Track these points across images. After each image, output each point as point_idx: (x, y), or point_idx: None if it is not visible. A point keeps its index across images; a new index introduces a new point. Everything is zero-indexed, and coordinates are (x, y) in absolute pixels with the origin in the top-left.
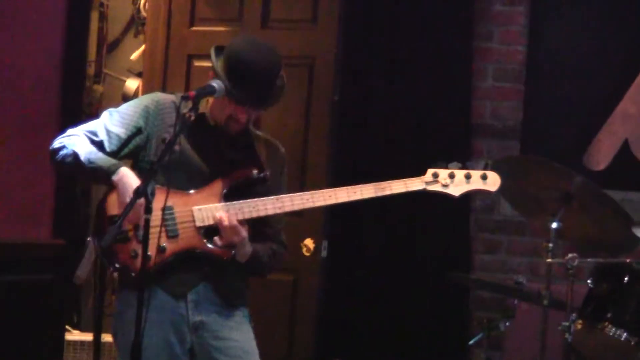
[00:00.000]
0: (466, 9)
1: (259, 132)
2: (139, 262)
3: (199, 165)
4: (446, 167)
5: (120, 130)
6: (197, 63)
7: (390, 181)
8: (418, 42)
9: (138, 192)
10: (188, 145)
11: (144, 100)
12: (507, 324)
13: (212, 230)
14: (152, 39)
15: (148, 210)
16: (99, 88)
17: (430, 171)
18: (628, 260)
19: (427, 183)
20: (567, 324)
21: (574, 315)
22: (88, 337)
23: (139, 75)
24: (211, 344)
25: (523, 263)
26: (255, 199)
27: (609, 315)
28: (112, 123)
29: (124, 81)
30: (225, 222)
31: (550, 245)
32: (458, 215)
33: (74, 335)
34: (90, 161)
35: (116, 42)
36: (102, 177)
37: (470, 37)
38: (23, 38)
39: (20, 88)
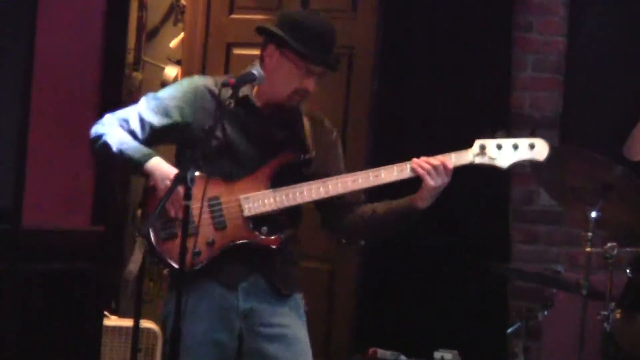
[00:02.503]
0: None
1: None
2: (188, 258)
3: (245, 149)
4: (492, 137)
5: (154, 119)
6: (236, 51)
7: (437, 156)
8: (457, 32)
9: (178, 179)
10: (233, 130)
11: (182, 87)
12: (546, 313)
13: (259, 220)
14: (191, 26)
15: (187, 196)
16: (138, 75)
17: (477, 143)
18: None
19: (475, 155)
20: (605, 313)
21: (612, 304)
22: (126, 323)
23: (178, 62)
24: (259, 331)
25: (562, 253)
26: (302, 184)
27: None
28: (147, 110)
29: (163, 69)
30: (441, 166)
31: (590, 234)
32: (497, 206)
33: (112, 321)
34: (121, 152)
35: (155, 30)
36: (134, 167)
37: (510, 28)
38: (63, 27)
39: (61, 76)
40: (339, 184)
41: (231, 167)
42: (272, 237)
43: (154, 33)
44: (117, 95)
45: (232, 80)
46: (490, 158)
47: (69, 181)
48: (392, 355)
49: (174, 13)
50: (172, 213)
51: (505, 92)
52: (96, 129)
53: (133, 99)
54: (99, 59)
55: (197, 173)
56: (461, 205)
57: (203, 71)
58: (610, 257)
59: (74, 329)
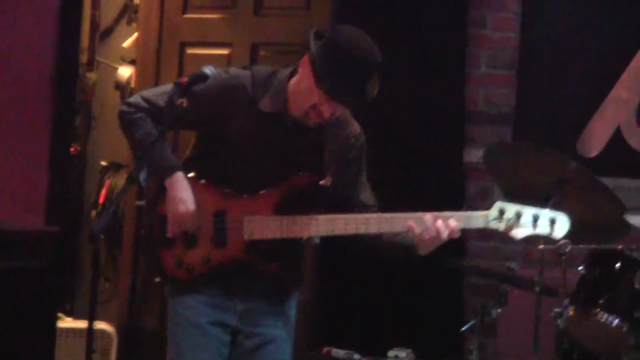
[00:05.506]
0: None
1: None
2: (181, 272)
3: (262, 163)
4: (510, 201)
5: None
6: (190, 50)
7: (452, 212)
8: (412, 28)
9: (131, 179)
10: (254, 141)
11: (216, 89)
12: (500, 310)
13: (258, 242)
14: (145, 26)
15: (140, 196)
16: (91, 75)
17: (497, 205)
18: (620, 247)
19: (492, 220)
20: (559, 310)
21: (566, 301)
22: (81, 324)
23: (132, 62)
24: (251, 332)
25: (516, 250)
26: (309, 217)
27: (601, 301)
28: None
29: (117, 69)
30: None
31: None
32: (451, 203)
33: (66, 322)
34: (148, 152)
35: (109, 29)
36: (154, 172)
37: (464, 24)
38: (16, 26)
39: (14, 76)
40: (348, 226)
41: (246, 179)
42: (270, 265)
43: (107, 33)
44: (71, 95)
45: (185, 80)
46: (507, 225)
47: (23, 181)
48: (346, 354)
49: (128, 12)
50: (170, 232)
51: (460, 88)
52: (129, 111)
53: (86, 100)
54: (52, 59)
55: (191, 174)
56: (415, 201)
57: (157, 71)
58: (564, 253)
59: (27, 330)
